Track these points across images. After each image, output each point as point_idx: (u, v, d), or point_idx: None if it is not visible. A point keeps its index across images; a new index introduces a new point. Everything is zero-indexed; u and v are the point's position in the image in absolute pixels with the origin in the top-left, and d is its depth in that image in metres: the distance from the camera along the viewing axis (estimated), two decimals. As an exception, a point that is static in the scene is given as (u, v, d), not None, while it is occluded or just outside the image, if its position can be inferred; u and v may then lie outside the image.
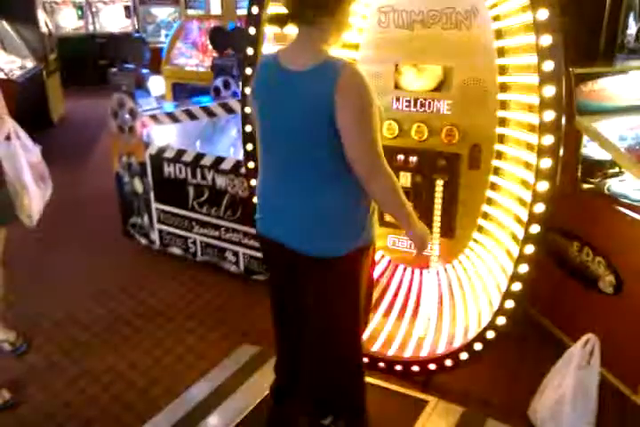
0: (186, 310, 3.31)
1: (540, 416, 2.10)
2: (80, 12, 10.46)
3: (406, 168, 2.47)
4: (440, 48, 2.33)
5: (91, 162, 6.25)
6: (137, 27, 10.72)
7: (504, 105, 2.27)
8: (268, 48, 2.64)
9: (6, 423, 2.41)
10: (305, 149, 1.76)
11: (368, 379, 2.31)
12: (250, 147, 2.76)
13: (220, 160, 3.51)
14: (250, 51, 2.63)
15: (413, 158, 2.44)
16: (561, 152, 2.08)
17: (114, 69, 6.93)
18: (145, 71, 6.31)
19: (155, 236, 3.98)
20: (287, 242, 1.87)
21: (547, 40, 2.02)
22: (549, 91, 2.05)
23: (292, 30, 1.79)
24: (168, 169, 3.74)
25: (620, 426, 2.32)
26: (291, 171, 1.82)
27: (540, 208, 2.15)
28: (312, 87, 1.69)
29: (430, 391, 2.51)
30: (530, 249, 2.20)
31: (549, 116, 2.07)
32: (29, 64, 7.08)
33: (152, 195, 3.88)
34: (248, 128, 2.73)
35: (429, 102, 2.41)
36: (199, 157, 3.60)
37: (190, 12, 7.30)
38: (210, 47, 6.51)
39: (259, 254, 3.35)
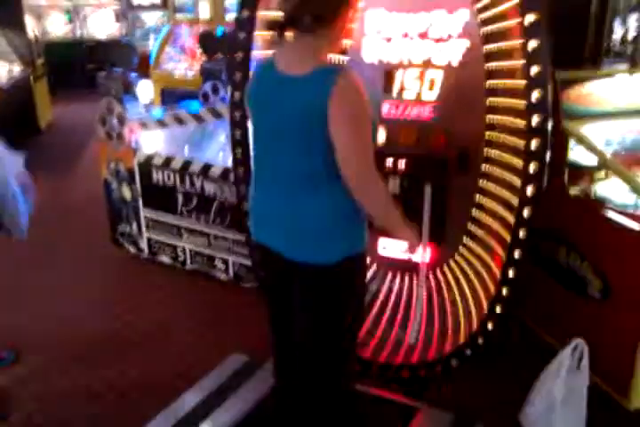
0: (175, 318, 3.28)
1: (531, 421, 2.10)
2: (68, 17, 10.41)
3: (395, 173, 2.47)
4: (427, 53, 2.34)
5: (79, 168, 6.21)
6: (125, 31, 10.69)
7: (492, 109, 2.28)
8: (258, 53, 2.65)
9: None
10: (296, 156, 1.76)
11: (358, 386, 2.31)
12: (239, 152, 2.76)
13: (208, 167, 3.50)
14: (239, 55, 2.62)
15: (402, 163, 2.44)
16: (548, 156, 2.09)
17: (102, 74, 6.90)
18: (133, 76, 6.30)
19: (143, 244, 3.95)
20: (276, 248, 1.87)
21: (533, 44, 2.04)
22: (535, 95, 2.06)
23: (288, 35, 1.78)
24: (156, 176, 3.73)
25: (610, 431, 2.34)
26: (281, 177, 1.82)
27: (527, 213, 2.16)
28: (307, 94, 1.68)
29: (420, 398, 2.50)
30: (518, 254, 2.21)
31: (536, 120, 2.08)
32: (16, 69, 7.05)
33: (140, 202, 3.86)
34: (237, 134, 2.73)
35: (417, 107, 2.41)
36: (188, 163, 3.59)
37: (179, 16, 7.30)
38: (199, 52, 6.50)
39: (248, 262, 3.34)
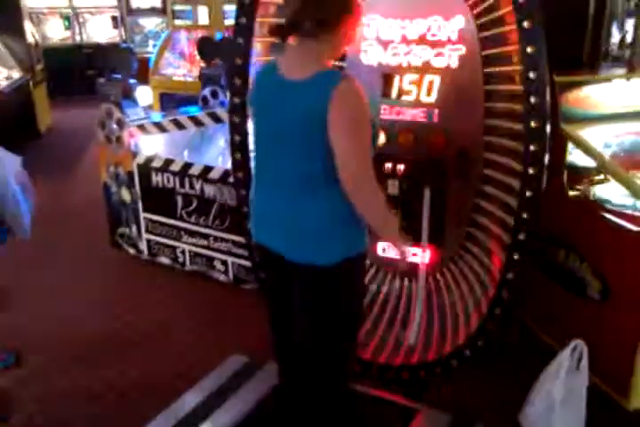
0: (175, 319, 3.28)
1: (530, 421, 2.10)
2: (67, 23, 10.43)
3: (394, 176, 2.48)
4: (424, 57, 2.37)
5: (78, 172, 6.21)
6: (124, 37, 10.71)
7: (491, 113, 2.30)
8: (256, 58, 2.67)
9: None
10: (297, 159, 1.77)
11: (357, 387, 2.32)
12: (238, 156, 2.78)
13: (208, 169, 3.51)
14: (238, 61, 2.64)
15: (401, 166, 2.46)
16: (546, 159, 2.11)
17: (101, 80, 6.94)
18: (132, 81, 6.32)
19: (143, 245, 3.96)
20: (277, 249, 1.88)
21: (530, 49, 2.06)
22: (534, 99, 2.08)
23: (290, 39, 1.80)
24: (156, 179, 3.74)
25: (609, 431, 2.35)
26: (282, 180, 1.83)
27: (526, 215, 2.17)
28: (308, 98, 1.69)
29: (420, 399, 2.50)
30: (517, 255, 2.22)
31: (534, 124, 2.10)
32: (15, 75, 7.06)
33: (140, 204, 3.87)
34: (236, 138, 2.75)
35: (416, 110, 2.43)
36: (187, 166, 3.60)
37: (178, 22, 7.32)
38: (197, 57, 6.53)
39: (248, 263, 3.35)
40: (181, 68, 7.27)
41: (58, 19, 10.42)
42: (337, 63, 2.44)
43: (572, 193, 2.57)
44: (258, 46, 2.67)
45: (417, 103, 2.42)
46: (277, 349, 2.17)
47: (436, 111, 2.38)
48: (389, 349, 2.62)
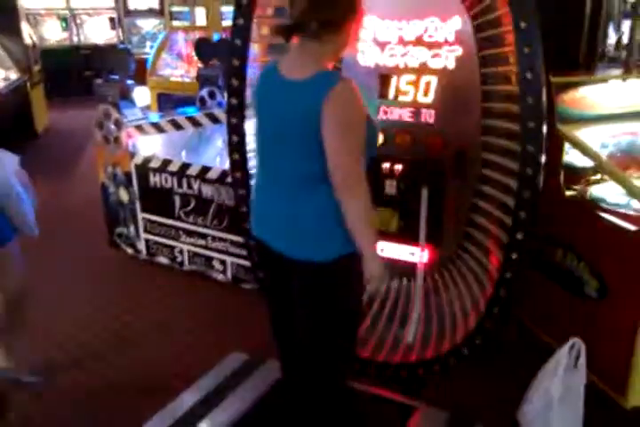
0: (174, 319, 3.29)
1: (528, 419, 2.11)
2: (64, 24, 10.43)
3: (392, 176, 2.49)
4: (421, 58, 2.38)
5: (76, 172, 6.21)
6: (122, 38, 10.72)
7: (488, 113, 2.31)
8: (254, 59, 2.69)
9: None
10: (296, 159, 1.78)
11: (356, 385, 2.32)
12: (236, 156, 2.78)
13: (206, 169, 3.52)
14: (235, 62, 2.65)
15: (398, 166, 2.47)
16: (543, 160, 2.12)
17: (99, 80, 6.94)
18: (130, 82, 6.33)
19: (141, 245, 3.96)
20: (277, 247, 1.89)
21: (526, 50, 2.07)
22: (530, 100, 2.09)
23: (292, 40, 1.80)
24: (154, 179, 3.74)
25: (607, 429, 2.37)
26: (282, 178, 1.85)
27: (524, 215, 2.18)
28: (305, 98, 1.71)
29: (418, 397, 2.51)
30: (515, 255, 2.23)
31: (531, 124, 2.11)
32: (13, 76, 7.05)
33: (138, 205, 3.88)
34: (234, 138, 2.75)
35: (414, 111, 2.44)
36: (185, 166, 3.61)
37: (175, 23, 7.33)
38: (195, 58, 6.54)
39: (246, 263, 3.35)
40: (179, 69, 7.28)
41: (55, 20, 10.42)
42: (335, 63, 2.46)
43: (568, 193, 2.59)
44: (255, 47, 2.68)
45: (414, 103, 2.43)
46: (279, 347, 2.18)
47: (434, 111, 2.39)
48: (388, 347, 2.63)
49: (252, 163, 2.74)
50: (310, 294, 1.91)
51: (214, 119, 3.79)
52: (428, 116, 2.42)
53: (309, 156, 1.74)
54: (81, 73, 9.90)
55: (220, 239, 3.57)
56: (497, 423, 2.33)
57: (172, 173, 3.65)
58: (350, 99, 1.69)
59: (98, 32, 10.64)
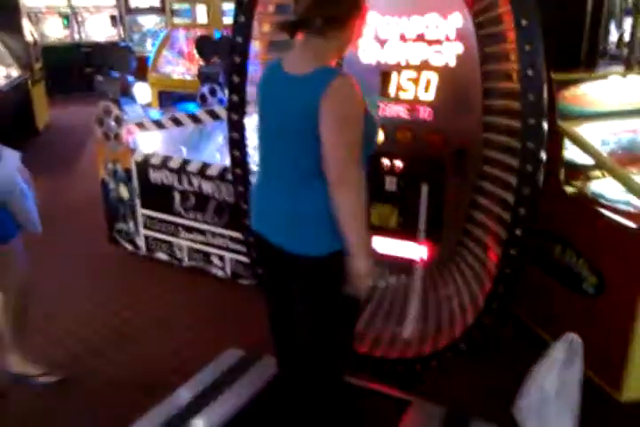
0: (173, 315, 3.29)
1: (524, 415, 2.11)
2: (65, 22, 10.44)
3: (392, 173, 2.50)
4: (422, 55, 2.38)
5: (77, 169, 6.22)
6: (123, 36, 10.72)
7: (489, 110, 2.32)
8: (255, 56, 2.69)
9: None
10: (293, 152, 1.79)
11: (354, 380, 2.33)
12: (237, 153, 2.79)
13: (206, 166, 3.53)
14: (236, 59, 2.66)
15: (399, 163, 2.47)
16: (543, 157, 2.12)
17: (100, 77, 6.94)
18: (131, 79, 6.32)
19: (141, 242, 3.97)
20: (275, 240, 1.89)
21: (528, 47, 2.07)
22: (531, 97, 2.10)
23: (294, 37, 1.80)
24: (154, 175, 3.75)
25: (602, 423, 2.37)
26: (280, 172, 1.86)
27: (523, 211, 2.19)
28: (304, 92, 1.71)
29: (416, 392, 2.52)
30: (514, 251, 2.24)
31: (532, 121, 2.11)
32: (14, 73, 7.06)
33: (138, 201, 3.88)
34: (235, 135, 2.76)
35: (414, 108, 2.45)
36: (185, 163, 3.61)
37: (177, 20, 7.34)
38: (196, 55, 6.54)
39: (245, 259, 3.36)
40: (180, 67, 7.29)
41: (56, 17, 10.43)
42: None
43: (568, 189, 2.60)
44: (256, 45, 2.69)
45: (415, 100, 2.44)
46: (276, 343, 2.19)
47: (434, 108, 2.40)
48: (385, 342, 2.64)
49: (252, 159, 2.75)
50: (309, 290, 1.91)
51: (215, 116, 3.80)
52: (429, 114, 2.43)
53: (308, 151, 1.75)
54: (82, 70, 9.92)
55: (220, 236, 3.57)
56: (493, 418, 2.34)
57: (172, 170, 3.66)
58: (349, 94, 1.69)
59: (99, 29, 10.65)
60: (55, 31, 10.43)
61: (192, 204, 3.64)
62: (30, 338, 2.81)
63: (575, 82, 2.63)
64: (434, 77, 2.39)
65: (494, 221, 2.34)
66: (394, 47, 2.44)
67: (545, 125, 2.11)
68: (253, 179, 2.66)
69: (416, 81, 2.43)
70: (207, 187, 3.54)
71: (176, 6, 7.25)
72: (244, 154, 2.77)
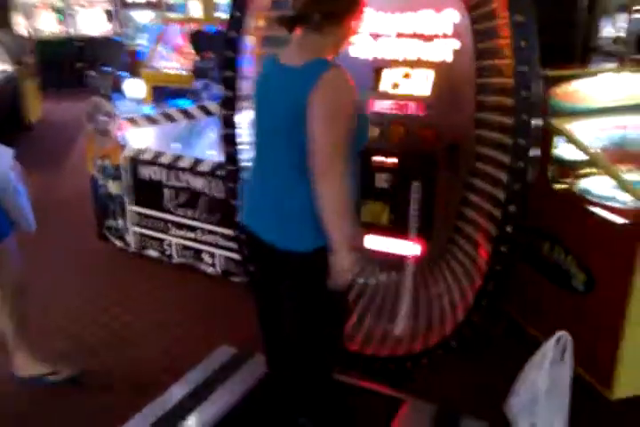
0: (162, 311, 3.28)
1: (515, 412, 2.11)
2: (59, 16, 10.38)
3: (383, 169, 2.48)
4: (416, 51, 2.37)
5: (68, 164, 6.19)
6: (117, 30, 10.67)
7: (481, 106, 2.30)
8: (250, 52, 2.67)
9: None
10: (283, 146, 1.79)
11: (344, 378, 2.32)
12: (229, 149, 2.77)
13: (197, 162, 3.50)
14: (230, 54, 2.64)
15: (391, 160, 2.46)
16: (534, 153, 2.11)
17: (92, 73, 6.89)
18: (123, 74, 6.29)
19: (130, 238, 3.95)
20: (266, 237, 1.88)
21: (521, 43, 2.06)
22: (524, 93, 2.08)
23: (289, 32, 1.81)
24: (144, 171, 3.73)
25: (593, 421, 2.37)
26: (271, 167, 1.85)
27: (514, 208, 2.18)
28: (296, 84, 1.71)
29: (406, 389, 2.51)
30: (504, 248, 2.23)
31: (524, 117, 2.10)
32: (6, 67, 7.01)
33: (127, 197, 3.86)
34: (227, 131, 2.74)
35: (407, 104, 2.43)
36: (177, 158, 3.59)
37: (170, 15, 7.30)
38: (191, 50, 6.51)
39: (236, 256, 3.34)
40: (174, 62, 7.24)
41: (50, 12, 10.37)
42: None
43: (557, 186, 2.59)
44: (251, 40, 2.67)
45: (408, 96, 2.42)
46: (266, 342, 2.18)
47: (427, 104, 2.39)
48: (376, 340, 2.63)
49: (245, 156, 2.73)
50: (297, 286, 1.90)
51: (207, 112, 3.78)
52: (422, 109, 2.41)
53: (299, 145, 1.73)
54: (74, 65, 9.87)
55: (210, 232, 3.55)
56: (484, 416, 2.34)
57: (163, 166, 3.63)
58: (340, 87, 1.69)
59: (92, 24, 10.61)
60: (49, 25, 10.37)
61: (182, 200, 3.62)
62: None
63: (567, 78, 2.62)
64: (428, 73, 2.37)
65: (485, 218, 2.33)
66: (388, 43, 2.42)
67: (537, 122, 2.10)
68: (245, 175, 2.64)
69: (410, 77, 2.42)
70: (198, 183, 3.52)
71: (171, 1, 7.22)
72: (236, 150, 2.75)
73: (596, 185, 2.55)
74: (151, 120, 3.83)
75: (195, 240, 3.64)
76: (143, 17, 10.74)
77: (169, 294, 3.49)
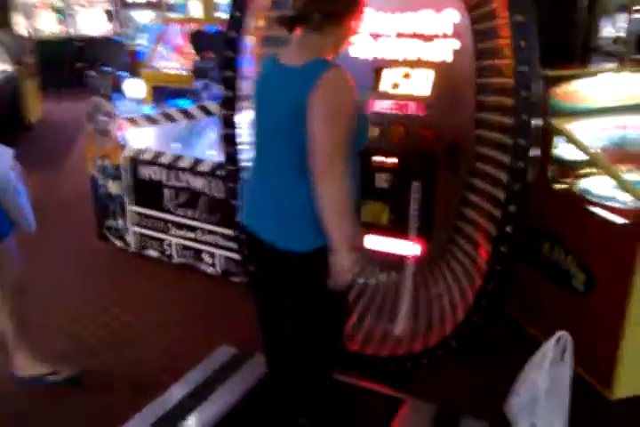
0: (162, 311, 3.28)
1: (515, 412, 2.11)
2: (59, 16, 10.39)
3: (383, 169, 2.48)
4: (416, 51, 2.37)
5: (68, 164, 6.19)
6: (117, 30, 10.67)
7: (481, 106, 2.30)
8: (250, 52, 2.67)
9: None
10: (283, 146, 1.79)
11: (344, 378, 2.32)
12: (229, 149, 2.77)
13: (197, 162, 3.50)
14: (230, 54, 2.64)
15: (391, 160, 2.46)
16: (534, 153, 2.11)
17: (92, 72, 6.89)
18: (123, 74, 6.29)
19: (130, 238, 3.95)
20: (266, 237, 1.88)
21: (521, 43, 2.06)
22: (524, 93, 2.08)
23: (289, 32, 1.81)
24: (144, 171, 3.73)
25: (593, 421, 2.37)
26: (270, 166, 1.85)
27: (514, 208, 2.18)
28: (296, 84, 1.71)
29: (406, 390, 2.51)
30: (504, 248, 2.23)
31: (524, 117, 2.10)
32: (6, 67, 7.01)
33: (127, 197, 3.86)
34: (227, 131, 2.74)
35: (407, 104, 2.43)
36: (176, 159, 3.59)
37: (171, 15, 7.30)
38: (190, 50, 6.51)
39: (236, 256, 3.34)
40: (174, 62, 7.24)
41: (50, 12, 10.38)
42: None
43: (557, 186, 2.59)
44: (251, 39, 2.67)
45: (408, 96, 2.42)
46: (265, 342, 2.18)
47: (427, 104, 2.39)
48: (376, 340, 2.63)
49: (244, 156, 2.73)
50: (297, 286, 1.90)
51: (207, 112, 3.77)
52: (422, 109, 2.41)
53: (299, 145, 1.73)
54: (74, 65, 9.87)
55: (210, 232, 3.55)
56: (484, 416, 2.33)
57: (163, 166, 3.63)
58: (340, 86, 1.69)
59: (92, 24, 10.61)
60: (49, 25, 10.37)
61: (183, 200, 3.62)
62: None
63: (568, 78, 2.62)
64: (428, 73, 2.37)
65: (485, 218, 2.33)
66: (388, 43, 2.42)
67: (537, 122, 2.10)
68: (245, 175, 2.64)
69: (410, 76, 2.42)
70: (198, 183, 3.52)
71: (171, 1, 7.21)
72: (235, 150, 2.75)
73: (596, 185, 2.55)
74: (151, 120, 3.83)
75: (195, 240, 3.64)
76: (143, 17, 10.76)
77: (169, 293, 3.49)
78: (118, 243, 4.03)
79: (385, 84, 2.47)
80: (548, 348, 2.03)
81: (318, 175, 1.68)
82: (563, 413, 2.03)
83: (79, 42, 10.28)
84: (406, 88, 2.43)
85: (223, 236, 3.48)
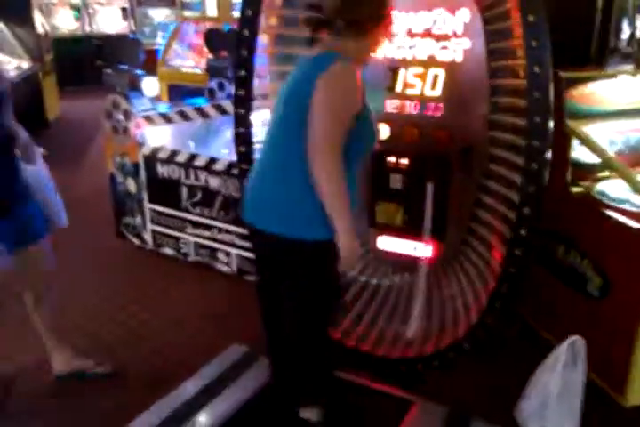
0: (177, 309, 3.31)
1: (526, 416, 2.11)
2: (76, 14, 10.47)
3: (397, 170, 2.49)
4: (429, 51, 2.37)
5: (86, 162, 6.25)
6: (133, 28, 10.73)
7: (495, 108, 2.29)
8: (263, 50, 2.68)
9: None
10: (286, 136, 1.83)
11: (355, 379, 2.32)
12: (243, 148, 2.79)
13: (213, 161, 3.53)
14: (243, 53, 2.65)
15: (404, 161, 2.46)
16: (548, 155, 2.10)
17: (109, 70, 6.95)
18: (140, 72, 6.33)
19: (147, 236, 3.98)
20: (262, 225, 1.90)
21: (534, 44, 2.05)
22: (537, 95, 2.08)
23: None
24: (161, 169, 3.76)
25: (604, 426, 2.35)
26: (274, 157, 1.89)
27: (528, 210, 2.17)
28: (305, 73, 1.77)
29: (416, 391, 2.52)
30: (518, 251, 2.22)
31: (537, 119, 2.09)
32: (25, 65, 7.08)
33: (145, 195, 3.89)
34: (241, 130, 2.75)
35: (421, 105, 2.43)
36: (193, 157, 3.62)
37: (187, 13, 7.32)
38: (205, 49, 6.53)
39: (251, 255, 3.36)
40: (189, 60, 7.27)
41: (67, 9, 10.46)
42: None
43: (574, 189, 2.57)
44: (264, 38, 2.67)
45: (422, 97, 2.42)
46: (269, 343, 2.22)
47: (441, 105, 2.38)
48: (388, 341, 2.63)
49: (258, 155, 2.75)
50: (296, 286, 1.94)
51: (222, 110, 3.79)
52: (436, 110, 2.41)
53: (298, 134, 1.76)
54: (92, 62, 9.95)
55: (226, 231, 3.57)
56: (495, 419, 2.33)
57: (180, 164, 3.66)
58: (342, 81, 1.73)
59: (109, 22, 10.68)
60: (66, 23, 10.46)
61: (199, 199, 3.64)
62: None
63: (584, 80, 2.59)
64: (441, 73, 2.37)
65: (499, 220, 2.33)
66: (401, 42, 2.42)
67: (551, 124, 2.09)
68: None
69: (423, 77, 2.42)
70: (214, 182, 3.54)
71: (187, -1, 7.24)
72: (250, 149, 2.76)
73: (613, 188, 2.52)
74: (167, 118, 3.85)
75: (210, 239, 3.66)
76: (159, 15, 10.81)
77: (185, 292, 3.52)
78: (136, 241, 4.07)
79: (399, 85, 2.47)
80: (561, 351, 2.02)
81: (314, 163, 1.72)
82: (574, 418, 2.02)
83: (97, 39, 10.36)
84: (420, 89, 2.43)
85: (238, 235, 3.51)
